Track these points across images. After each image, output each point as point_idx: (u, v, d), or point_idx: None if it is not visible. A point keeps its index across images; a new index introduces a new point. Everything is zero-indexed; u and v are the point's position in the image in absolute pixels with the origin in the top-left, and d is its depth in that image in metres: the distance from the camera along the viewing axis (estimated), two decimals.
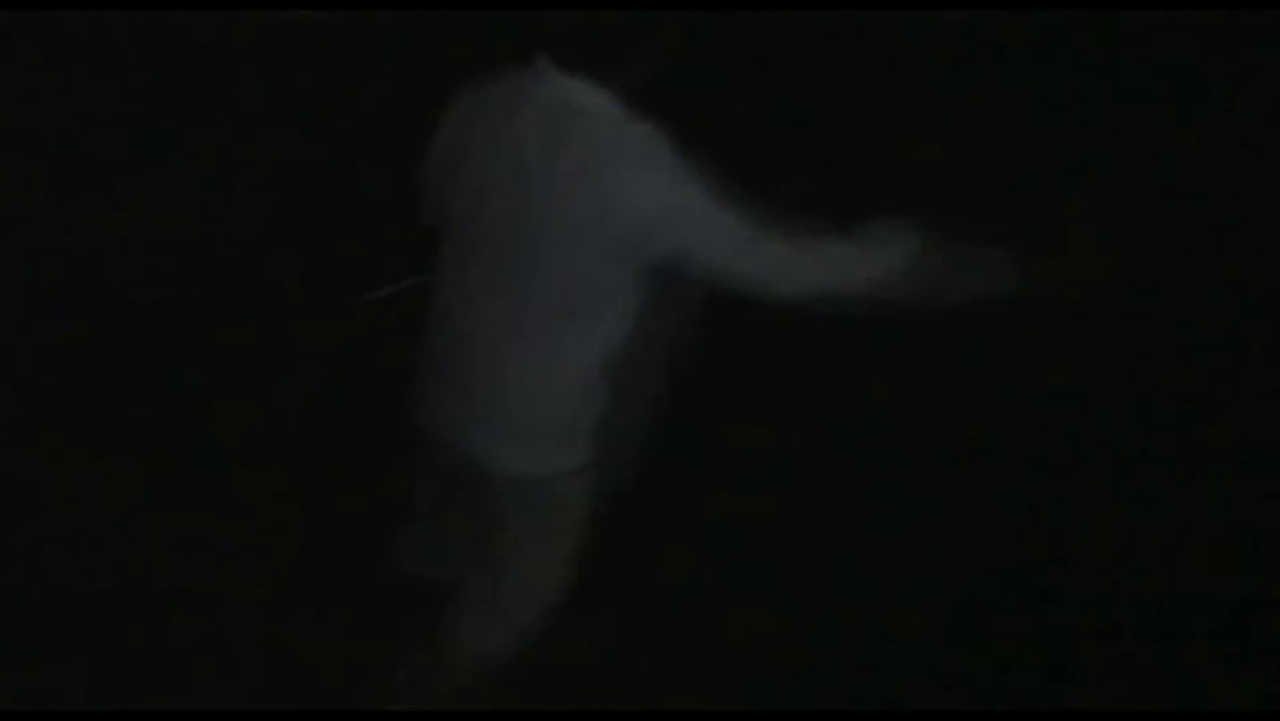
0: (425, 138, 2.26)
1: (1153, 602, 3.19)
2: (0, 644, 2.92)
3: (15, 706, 2.80)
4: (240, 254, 3.70)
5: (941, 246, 2.12)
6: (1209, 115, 3.33)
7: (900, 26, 3.43)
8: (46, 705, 2.82)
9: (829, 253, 2.05)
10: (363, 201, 3.67)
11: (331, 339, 3.60)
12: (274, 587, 3.08)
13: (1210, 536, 3.29)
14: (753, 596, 3.22)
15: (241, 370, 3.56)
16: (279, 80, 3.80)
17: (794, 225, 2.03)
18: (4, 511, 3.19)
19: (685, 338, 2.16)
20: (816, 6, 3.33)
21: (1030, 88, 3.39)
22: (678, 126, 2.01)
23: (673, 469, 2.63)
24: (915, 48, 3.46)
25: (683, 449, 2.65)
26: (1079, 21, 3.33)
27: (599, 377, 2.15)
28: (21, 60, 3.48)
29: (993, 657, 3.11)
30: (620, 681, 2.94)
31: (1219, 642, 3.10)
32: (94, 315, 3.65)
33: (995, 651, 3.12)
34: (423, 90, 2.30)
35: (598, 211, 1.97)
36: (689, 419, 2.49)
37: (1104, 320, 3.44)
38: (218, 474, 3.35)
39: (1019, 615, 3.20)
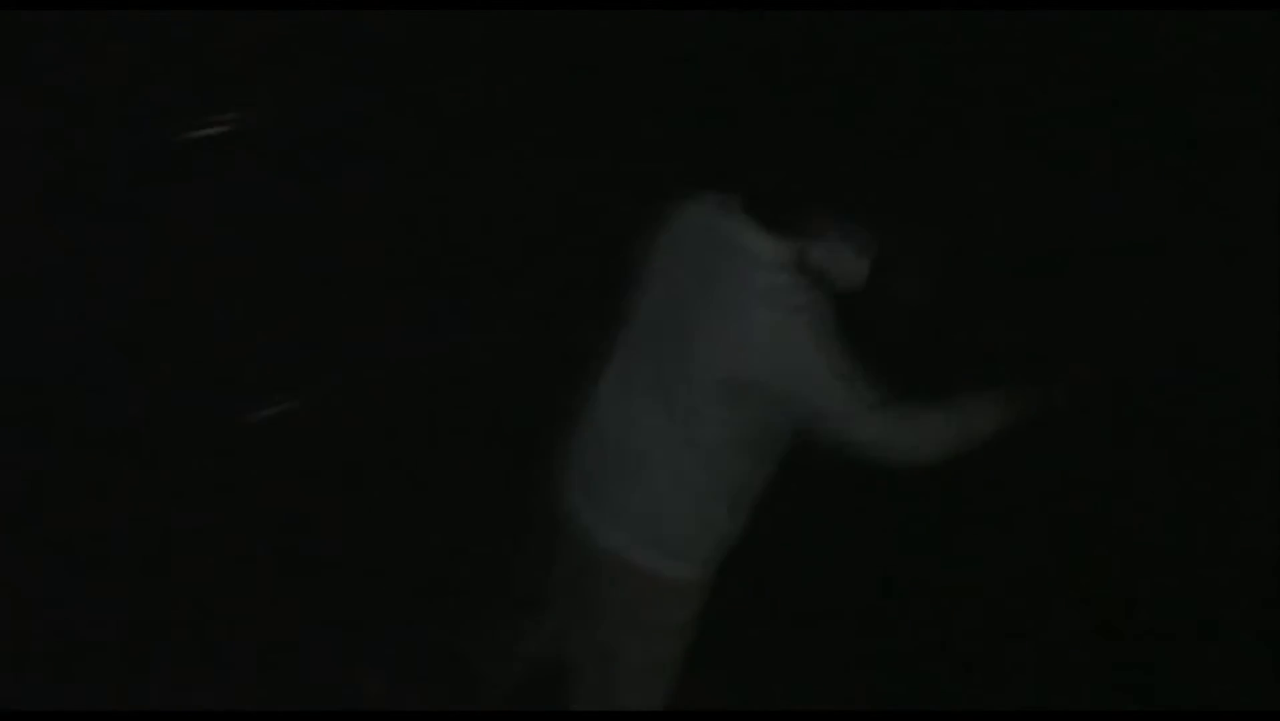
0: None
1: (1153, 602, 3.21)
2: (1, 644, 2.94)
3: (15, 706, 2.82)
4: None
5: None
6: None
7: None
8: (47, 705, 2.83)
9: (937, 427, 2.26)
10: None
11: None
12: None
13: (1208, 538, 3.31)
14: (751, 598, 3.23)
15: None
16: None
17: (909, 403, 2.22)
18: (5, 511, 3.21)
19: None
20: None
21: None
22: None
23: None
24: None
25: None
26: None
27: (724, 502, 2.30)
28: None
29: (992, 657, 3.13)
30: None
31: (1218, 643, 3.12)
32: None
33: (995, 651, 3.14)
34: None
35: (729, 334, 2.13)
36: None
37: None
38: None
39: (1018, 616, 3.22)
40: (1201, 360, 3.40)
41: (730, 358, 2.13)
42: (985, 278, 3.42)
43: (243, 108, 3.36)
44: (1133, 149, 3.42)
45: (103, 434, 3.29)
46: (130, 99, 3.21)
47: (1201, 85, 3.31)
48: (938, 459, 2.29)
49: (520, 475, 3.42)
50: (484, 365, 3.71)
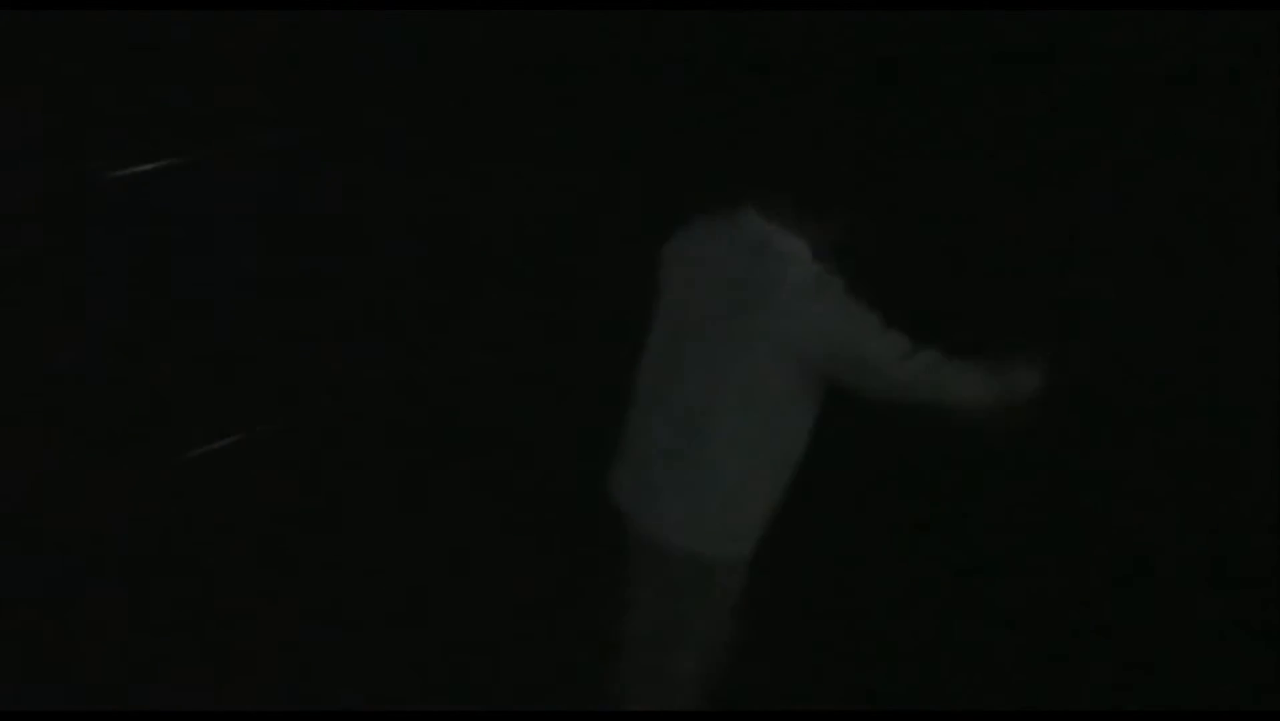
0: None
1: (1153, 601, 3.21)
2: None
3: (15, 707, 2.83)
4: None
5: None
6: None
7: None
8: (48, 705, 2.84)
9: (970, 375, 2.40)
10: None
11: None
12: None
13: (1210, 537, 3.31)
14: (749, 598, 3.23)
15: None
16: None
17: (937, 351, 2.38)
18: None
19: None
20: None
21: None
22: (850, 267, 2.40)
23: None
24: None
25: None
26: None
27: (776, 480, 2.48)
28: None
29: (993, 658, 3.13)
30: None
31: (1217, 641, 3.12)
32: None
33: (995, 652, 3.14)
34: None
35: (778, 328, 2.33)
36: None
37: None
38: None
39: (1018, 615, 3.22)
40: (1202, 360, 3.40)
41: (785, 345, 2.33)
42: (981, 273, 3.42)
43: (187, 141, 3.40)
44: (1132, 149, 3.42)
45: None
46: (73, 134, 3.24)
47: (1201, 85, 3.30)
48: (973, 407, 2.43)
49: (487, 495, 3.47)
50: (466, 379, 3.75)
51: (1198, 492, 3.34)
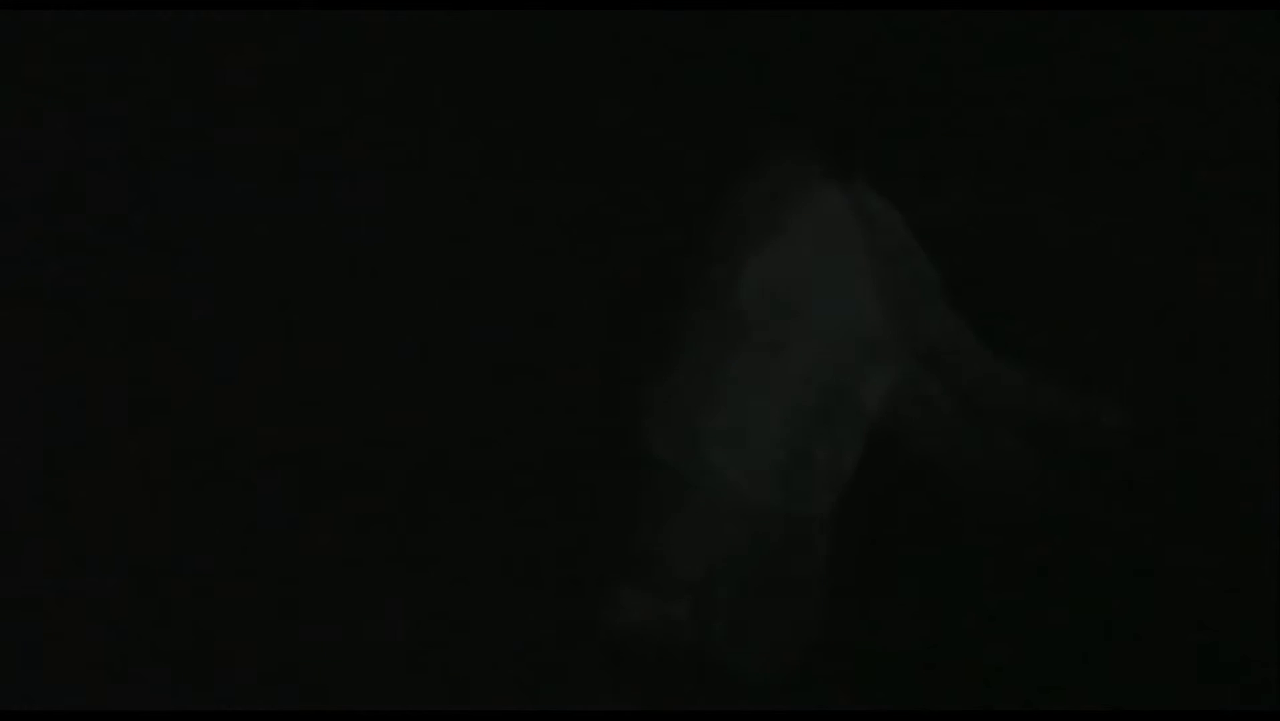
0: None
1: (1153, 603, 3.21)
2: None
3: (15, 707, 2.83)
4: None
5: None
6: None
7: None
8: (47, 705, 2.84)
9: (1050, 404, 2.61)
10: None
11: None
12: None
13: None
14: None
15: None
16: None
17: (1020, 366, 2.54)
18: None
19: None
20: None
21: None
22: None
23: None
24: None
25: None
26: None
27: (841, 436, 2.63)
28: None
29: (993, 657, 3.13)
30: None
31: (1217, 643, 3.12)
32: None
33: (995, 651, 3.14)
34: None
35: (852, 304, 2.50)
36: None
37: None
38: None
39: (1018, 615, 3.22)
40: (1202, 360, 3.40)
41: (843, 320, 2.53)
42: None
43: None
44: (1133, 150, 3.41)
45: None
46: None
47: (1202, 85, 3.30)
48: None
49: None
50: None
51: (1200, 492, 3.34)
